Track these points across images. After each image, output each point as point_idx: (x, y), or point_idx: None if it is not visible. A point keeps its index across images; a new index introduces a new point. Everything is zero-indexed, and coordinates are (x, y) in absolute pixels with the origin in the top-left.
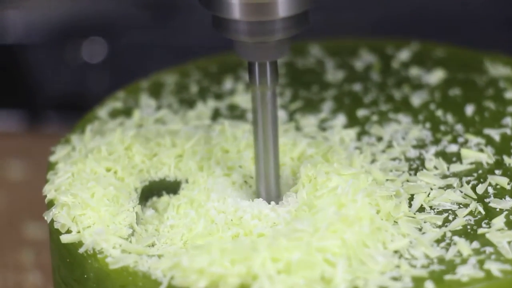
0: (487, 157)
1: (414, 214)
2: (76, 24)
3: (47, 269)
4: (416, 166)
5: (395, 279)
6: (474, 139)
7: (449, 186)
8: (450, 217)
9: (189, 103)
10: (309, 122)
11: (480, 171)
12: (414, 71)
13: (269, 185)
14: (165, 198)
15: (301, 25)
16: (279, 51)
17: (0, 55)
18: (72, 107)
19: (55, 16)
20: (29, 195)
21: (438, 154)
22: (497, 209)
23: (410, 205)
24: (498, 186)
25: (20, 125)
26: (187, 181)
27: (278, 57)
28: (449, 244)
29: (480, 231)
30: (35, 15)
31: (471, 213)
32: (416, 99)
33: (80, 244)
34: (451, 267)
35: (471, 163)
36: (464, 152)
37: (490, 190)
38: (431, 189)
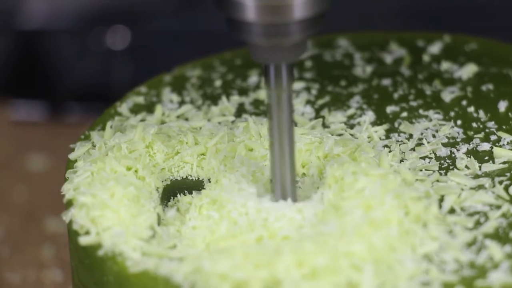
0: None
1: (444, 216)
2: (100, 12)
3: (68, 265)
4: (447, 165)
5: (424, 284)
6: (507, 137)
7: (480, 187)
8: (482, 219)
9: (213, 98)
10: (337, 118)
11: None
12: (445, 65)
13: (285, 188)
14: (187, 198)
15: (317, 26)
16: (295, 52)
17: (23, 41)
18: (95, 95)
19: (79, 3)
20: (51, 188)
21: (469, 153)
22: None
23: (440, 207)
24: None
25: (42, 111)
26: (209, 181)
27: (294, 59)
28: (480, 248)
29: None
30: (59, 1)
31: (503, 215)
32: (447, 95)
33: (99, 246)
34: (482, 272)
35: (504, 163)
36: (496, 151)
37: None
38: (462, 189)
